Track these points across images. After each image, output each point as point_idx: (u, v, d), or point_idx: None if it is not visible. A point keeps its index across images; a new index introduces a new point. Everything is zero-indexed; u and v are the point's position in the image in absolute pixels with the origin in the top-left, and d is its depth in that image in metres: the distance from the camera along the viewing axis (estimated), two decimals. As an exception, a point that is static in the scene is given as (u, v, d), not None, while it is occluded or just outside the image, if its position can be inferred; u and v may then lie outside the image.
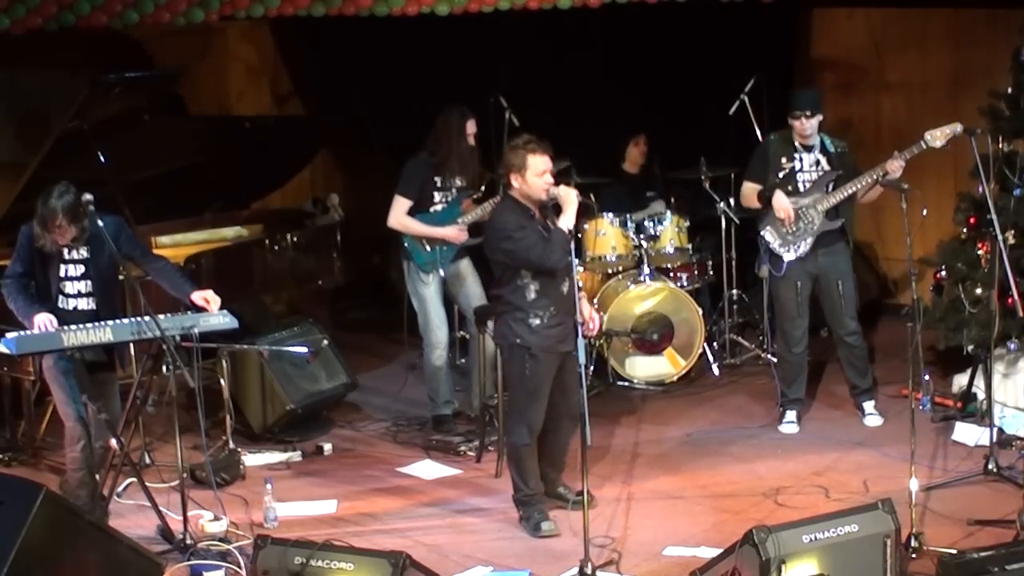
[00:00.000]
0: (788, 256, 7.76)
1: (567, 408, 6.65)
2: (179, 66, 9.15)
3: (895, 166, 7.42)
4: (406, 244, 8.04)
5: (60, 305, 6.57)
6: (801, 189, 7.74)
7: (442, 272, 8.05)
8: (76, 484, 6.65)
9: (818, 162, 7.76)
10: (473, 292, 8.14)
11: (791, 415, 8.00)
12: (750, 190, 7.90)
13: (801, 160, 7.76)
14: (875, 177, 7.47)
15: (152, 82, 8.65)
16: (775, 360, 8.32)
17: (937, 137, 7.26)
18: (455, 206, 8.05)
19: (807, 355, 8.06)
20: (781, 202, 7.68)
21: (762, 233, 7.84)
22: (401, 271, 8.28)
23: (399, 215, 7.98)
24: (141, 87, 8.42)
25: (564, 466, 6.94)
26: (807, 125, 7.65)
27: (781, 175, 7.77)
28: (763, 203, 7.79)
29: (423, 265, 8.03)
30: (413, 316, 8.24)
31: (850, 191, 7.62)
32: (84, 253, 6.60)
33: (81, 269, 6.61)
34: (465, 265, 8.16)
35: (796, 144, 7.76)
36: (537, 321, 6.43)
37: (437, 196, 8.01)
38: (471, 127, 8.02)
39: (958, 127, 7.28)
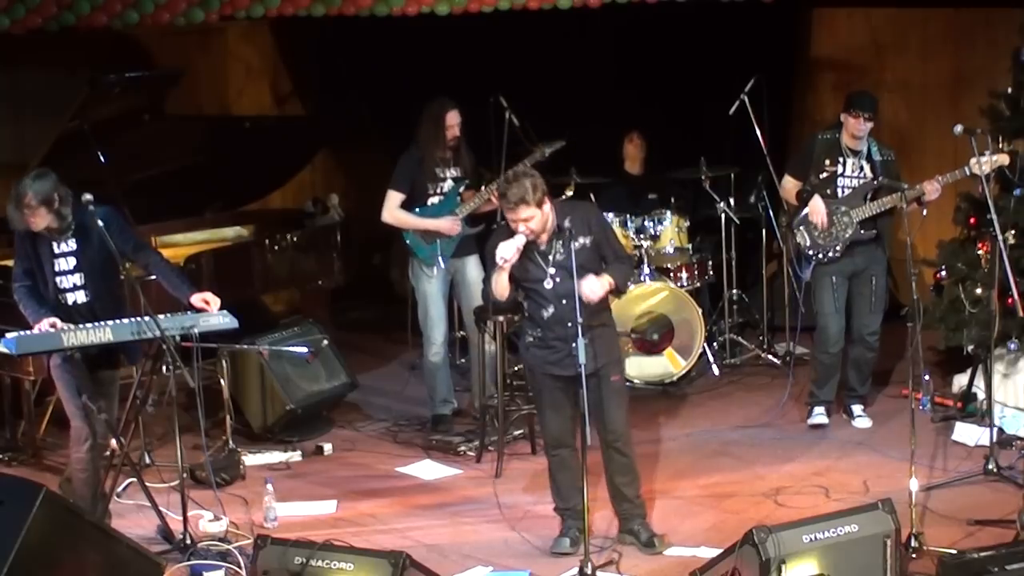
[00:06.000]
0: (817, 259, 7.72)
1: (605, 437, 6.39)
2: (179, 66, 9.15)
3: (931, 188, 7.39)
4: (408, 240, 8.04)
5: (60, 301, 6.53)
6: (839, 194, 7.68)
7: (442, 264, 8.04)
8: (80, 484, 6.61)
9: (862, 168, 7.67)
10: (477, 293, 8.12)
11: (820, 409, 7.94)
12: (791, 185, 7.85)
13: (844, 164, 7.68)
14: (910, 195, 7.30)
15: (152, 82, 8.66)
16: (780, 360, 8.26)
17: (984, 164, 7.12)
18: (452, 198, 8.04)
19: (840, 356, 7.94)
20: (817, 207, 7.61)
21: (795, 232, 7.79)
22: (403, 269, 8.26)
23: (391, 209, 7.98)
24: (141, 87, 8.43)
25: (635, 504, 6.49)
26: (864, 127, 7.56)
27: (822, 176, 7.70)
28: (800, 203, 7.74)
29: (426, 259, 8.02)
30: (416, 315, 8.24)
31: (888, 205, 7.53)
32: (72, 245, 6.52)
33: (72, 262, 6.55)
34: (472, 264, 8.13)
35: (843, 147, 7.67)
36: (529, 339, 6.34)
37: (430, 188, 8.00)
38: (452, 118, 7.96)
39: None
